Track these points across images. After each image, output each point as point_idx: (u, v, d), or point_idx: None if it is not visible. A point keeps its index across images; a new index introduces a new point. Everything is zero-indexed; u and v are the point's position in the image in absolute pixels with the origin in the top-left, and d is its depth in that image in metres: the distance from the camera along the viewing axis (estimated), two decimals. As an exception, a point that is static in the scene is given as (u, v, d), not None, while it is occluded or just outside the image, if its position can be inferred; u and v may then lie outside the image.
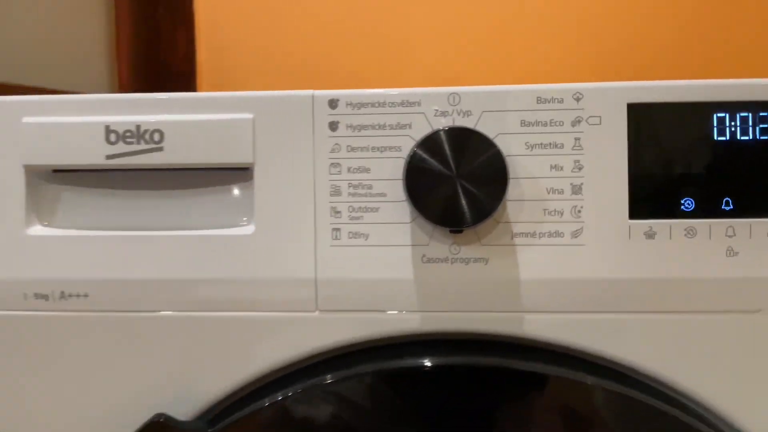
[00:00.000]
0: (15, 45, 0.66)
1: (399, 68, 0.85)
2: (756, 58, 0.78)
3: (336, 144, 0.32)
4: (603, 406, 0.31)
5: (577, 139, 0.31)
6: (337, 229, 0.32)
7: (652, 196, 0.31)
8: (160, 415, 0.32)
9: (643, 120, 0.31)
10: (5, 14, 0.64)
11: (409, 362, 0.31)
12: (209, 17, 0.90)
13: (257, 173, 0.32)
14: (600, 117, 0.31)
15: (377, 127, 0.31)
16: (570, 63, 0.81)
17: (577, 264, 0.31)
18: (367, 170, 0.32)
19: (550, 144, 0.31)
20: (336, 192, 0.32)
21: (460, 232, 0.31)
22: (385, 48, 0.85)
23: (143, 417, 0.32)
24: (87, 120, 0.32)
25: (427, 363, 0.31)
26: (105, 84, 0.82)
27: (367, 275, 0.32)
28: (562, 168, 0.31)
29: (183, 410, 0.32)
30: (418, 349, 0.32)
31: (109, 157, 0.32)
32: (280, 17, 0.87)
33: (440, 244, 0.31)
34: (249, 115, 0.32)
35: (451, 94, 0.31)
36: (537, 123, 0.31)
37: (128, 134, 0.32)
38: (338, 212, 0.32)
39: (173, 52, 0.90)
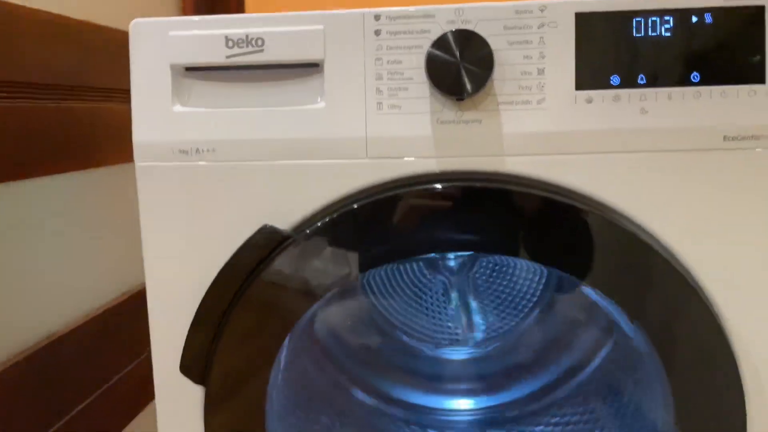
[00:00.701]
0: None
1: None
2: None
3: (379, 45, 0.47)
4: (558, 214, 0.46)
5: (541, 37, 0.46)
6: (380, 103, 0.48)
7: (590, 74, 0.46)
8: (265, 225, 0.48)
9: (586, 23, 0.46)
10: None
11: (429, 186, 0.47)
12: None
13: (326, 67, 0.48)
14: (557, 22, 0.46)
15: (407, 32, 0.47)
16: None
17: (541, 121, 0.46)
18: (400, 62, 0.47)
19: (524, 41, 0.46)
20: (379, 77, 0.47)
21: (462, 100, 0.46)
22: None
23: (254, 229, 0.49)
24: (213, 32, 0.48)
25: (439, 186, 0.47)
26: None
27: (400, 133, 0.48)
28: (531, 57, 0.46)
29: (280, 226, 0.49)
30: (435, 181, 0.47)
31: (227, 57, 0.48)
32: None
33: (450, 111, 0.47)
34: (320, 27, 0.48)
35: (456, 9, 0.47)
36: (515, 27, 0.46)
37: (240, 41, 0.48)
38: (381, 91, 0.47)
39: None
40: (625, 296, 0.47)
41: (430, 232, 0.47)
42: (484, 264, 0.78)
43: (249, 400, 0.51)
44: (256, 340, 0.50)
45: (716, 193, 0.46)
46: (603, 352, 0.70)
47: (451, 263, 0.80)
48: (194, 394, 0.51)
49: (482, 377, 0.80)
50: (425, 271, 0.79)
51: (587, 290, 0.70)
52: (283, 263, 0.48)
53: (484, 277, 0.79)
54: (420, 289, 0.79)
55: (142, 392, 0.83)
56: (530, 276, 0.78)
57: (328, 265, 0.48)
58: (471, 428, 0.75)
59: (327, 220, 0.48)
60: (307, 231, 0.48)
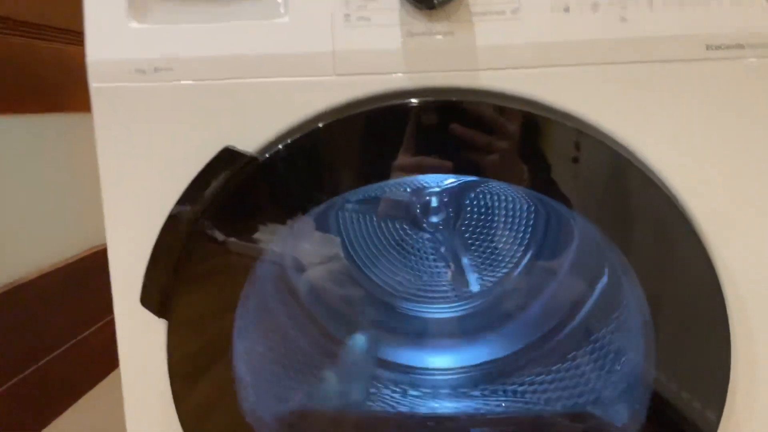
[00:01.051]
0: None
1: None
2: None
3: (346, -47, 0.45)
4: (528, 123, 0.44)
5: (516, -57, 0.44)
6: (348, 15, 0.45)
7: (568, -19, 0.44)
8: (227, 147, 0.46)
9: (563, -72, 0.43)
10: None
11: (403, 102, 0.44)
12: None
13: (290, -22, 0.45)
14: (532, -73, 0.43)
15: (375, -61, 0.44)
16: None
17: (516, 32, 0.44)
18: (368, -29, 0.45)
19: (497, -53, 0.44)
20: (346, -12, 0.45)
21: (433, 8, 0.44)
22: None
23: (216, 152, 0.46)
24: (169, -59, 0.45)
25: (415, 101, 0.44)
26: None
27: (369, 47, 0.45)
28: (505, -36, 0.44)
29: (243, 148, 0.46)
30: (407, 96, 0.45)
31: (185, -33, 0.45)
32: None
33: (420, 22, 0.44)
34: (284, -65, 0.45)
35: None
36: (488, -68, 0.44)
37: (198, -50, 0.45)
38: (348, 2, 0.45)
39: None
40: (608, 219, 0.45)
41: (403, 153, 0.45)
42: (468, 218, 0.76)
43: (214, 334, 0.49)
44: (219, 270, 0.47)
45: (699, 106, 0.44)
46: (588, 304, 0.68)
47: (434, 219, 0.78)
48: (156, 328, 0.49)
49: (465, 335, 0.79)
50: (408, 230, 0.77)
51: (573, 240, 0.69)
52: (246, 187, 0.46)
53: (468, 233, 0.77)
54: (404, 249, 0.77)
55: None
56: (516, 228, 0.76)
57: (294, 188, 0.46)
58: (453, 387, 0.73)
59: (291, 141, 0.45)
60: (271, 153, 0.45)
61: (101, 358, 0.77)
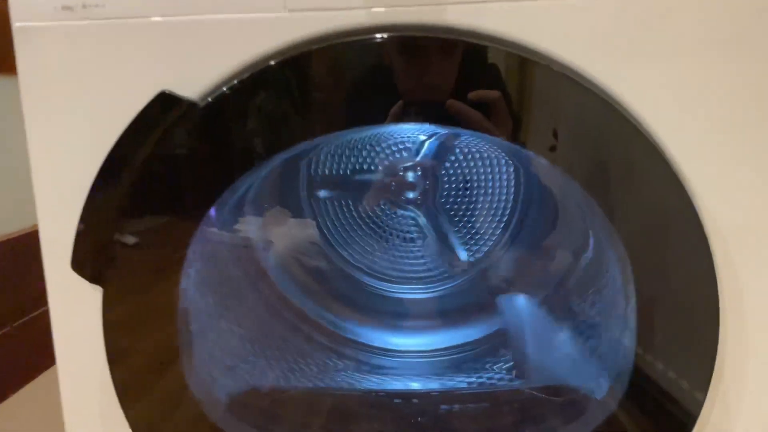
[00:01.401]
0: None
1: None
2: None
3: None
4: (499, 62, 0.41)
5: None
6: (299, -57, 0.41)
7: None
8: (163, 92, 0.41)
9: None
10: None
11: (366, 38, 0.40)
12: None
13: None
14: None
15: None
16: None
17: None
18: None
19: None
20: None
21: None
22: None
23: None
24: None
25: (379, 37, 0.40)
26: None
27: (323, -21, 0.41)
28: None
29: (184, 93, 0.42)
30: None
31: None
32: None
33: (379, -48, 0.40)
34: None
35: None
36: None
37: None
38: (299, -71, 0.41)
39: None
40: (593, 178, 0.42)
41: (367, 97, 0.41)
42: (446, 194, 0.72)
43: (156, 301, 0.44)
44: (161, 227, 0.43)
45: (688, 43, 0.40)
46: (570, 280, 0.65)
47: (411, 194, 0.74)
48: (91, 296, 0.44)
49: (441, 317, 0.76)
50: (387, 209, 0.74)
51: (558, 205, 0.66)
52: (186, 136, 0.41)
53: (448, 206, 0.73)
54: (384, 229, 0.74)
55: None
56: (498, 200, 0.72)
57: (241, 137, 0.41)
58: (426, 368, 0.70)
59: (237, 82, 0.41)
60: (214, 96, 0.41)
61: (45, 346, 0.71)
